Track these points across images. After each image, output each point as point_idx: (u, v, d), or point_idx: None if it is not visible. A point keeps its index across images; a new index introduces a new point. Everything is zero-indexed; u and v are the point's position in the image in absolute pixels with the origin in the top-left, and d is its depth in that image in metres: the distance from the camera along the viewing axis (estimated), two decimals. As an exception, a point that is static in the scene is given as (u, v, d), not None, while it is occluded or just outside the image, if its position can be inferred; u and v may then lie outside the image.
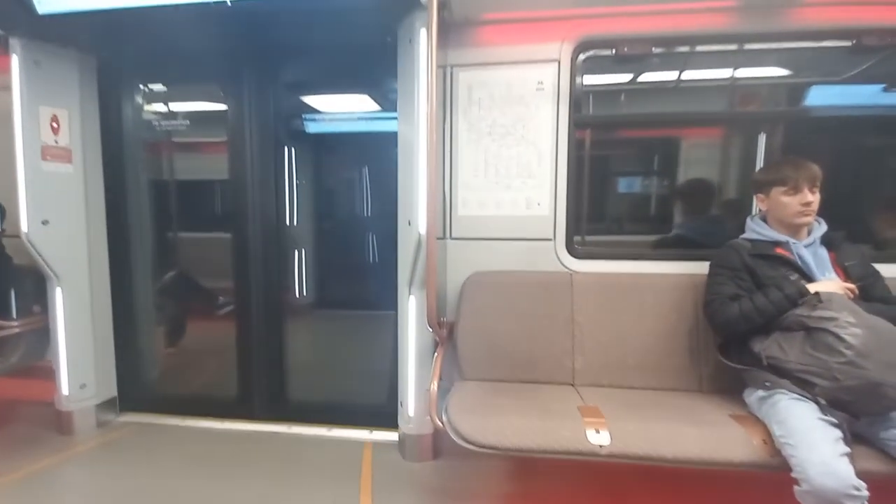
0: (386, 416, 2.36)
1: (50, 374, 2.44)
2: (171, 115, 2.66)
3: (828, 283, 1.55)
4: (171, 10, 1.91)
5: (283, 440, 2.40)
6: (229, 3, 1.88)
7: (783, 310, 1.52)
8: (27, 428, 2.47)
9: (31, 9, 1.94)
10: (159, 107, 2.67)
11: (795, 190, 1.60)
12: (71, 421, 2.44)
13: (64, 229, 2.34)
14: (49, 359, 2.44)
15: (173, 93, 2.67)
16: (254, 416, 2.57)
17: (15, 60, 2.13)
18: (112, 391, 2.63)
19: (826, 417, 1.34)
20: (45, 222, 2.25)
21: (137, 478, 2.03)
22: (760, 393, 1.53)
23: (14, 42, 2.12)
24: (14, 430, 2.46)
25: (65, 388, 2.41)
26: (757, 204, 1.73)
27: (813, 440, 1.29)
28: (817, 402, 1.38)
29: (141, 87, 2.63)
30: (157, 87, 2.66)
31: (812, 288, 1.51)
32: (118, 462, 2.18)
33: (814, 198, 1.60)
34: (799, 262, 1.61)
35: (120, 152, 2.57)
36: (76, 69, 2.34)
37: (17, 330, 2.34)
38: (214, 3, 1.88)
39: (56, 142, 2.29)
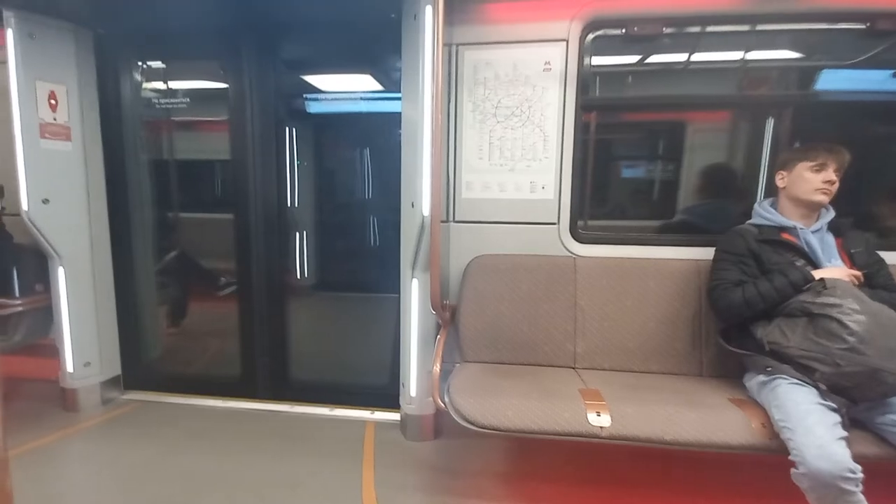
0: (388, 396, 2.38)
1: (54, 352, 2.45)
2: (171, 92, 2.62)
3: (833, 269, 1.55)
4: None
5: (286, 419, 2.43)
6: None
7: (787, 296, 1.52)
8: (33, 404, 2.50)
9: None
10: (158, 84, 2.62)
11: (822, 168, 1.59)
12: (76, 398, 2.47)
13: (64, 208, 2.32)
14: (53, 337, 2.46)
15: (172, 70, 2.62)
16: (256, 395, 2.61)
17: (10, 34, 2.08)
18: (116, 369, 2.66)
19: (825, 402, 1.36)
20: (45, 201, 2.23)
21: (141, 454, 2.06)
22: (761, 378, 1.54)
23: (8, 15, 2.07)
24: (20, 407, 2.49)
25: (69, 366, 2.43)
26: (777, 181, 1.72)
27: (810, 424, 1.31)
28: (817, 388, 1.39)
29: (139, 63, 2.57)
30: (156, 63, 2.61)
31: (817, 274, 1.52)
32: (123, 438, 2.21)
33: (836, 180, 1.59)
34: (805, 248, 1.61)
35: (119, 130, 2.54)
36: (72, 43, 2.29)
37: (20, 308, 2.35)
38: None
39: (54, 119, 2.26)
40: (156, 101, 2.63)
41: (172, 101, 2.62)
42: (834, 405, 1.35)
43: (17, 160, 2.15)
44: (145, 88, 2.62)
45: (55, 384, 2.48)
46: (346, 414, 2.47)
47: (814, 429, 1.29)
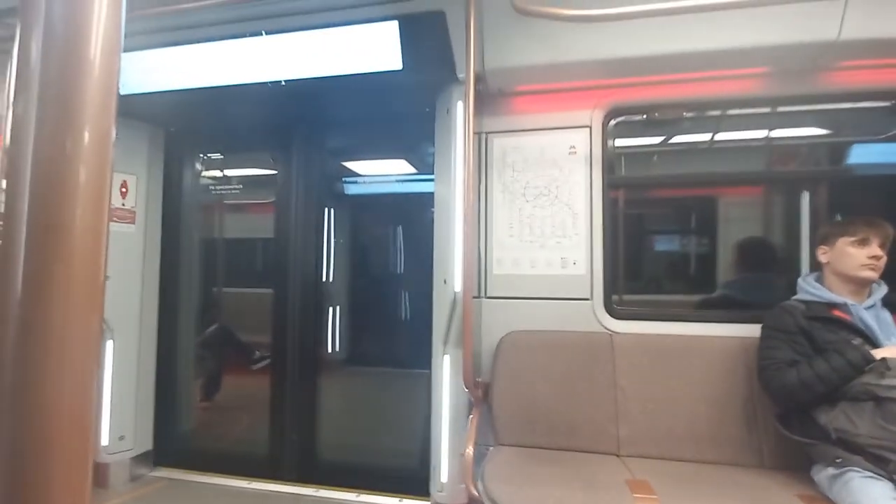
0: (417, 481, 2.25)
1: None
2: (226, 179, 2.89)
3: (895, 348, 1.44)
4: (233, 89, 2.15)
5: (311, 503, 2.32)
6: (283, 83, 2.09)
7: (847, 377, 1.41)
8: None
9: (116, 91, 2.21)
10: (216, 172, 2.90)
11: (863, 243, 1.54)
12: (107, 473, 2.46)
13: (122, 285, 2.50)
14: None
15: (229, 160, 2.91)
16: (283, 475, 2.52)
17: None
18: (148, 444, 2.66)
19: (907, 500, 1.20)
20: (106, 278, 2.40)
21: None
22: (831, 471, 1.39)
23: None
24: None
25: (105, 440, 2.45)
26: (818, 257, 1.66)
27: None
28: (893, 481, 1.24)
29: (201, 155, 2.88)
30: (215, 155, 2.91)
31: (877, 353, 1.41)
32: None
33: (882, 254, 1.53)
34: (861, 325, 1.51)
35: (178, 214, 2.78)
36: (146, 139, 2.61)
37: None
38: (271, 83, 2.09)
39: (123, 204, 2.51)
40: (212, 187, 2.89)
41: (227, 186, 2.88)
42: (918, 503, 1.19)
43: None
44: (204, 176, 2.90)
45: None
46: (373, 500, 2.33)
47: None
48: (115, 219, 2.47)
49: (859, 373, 1.40)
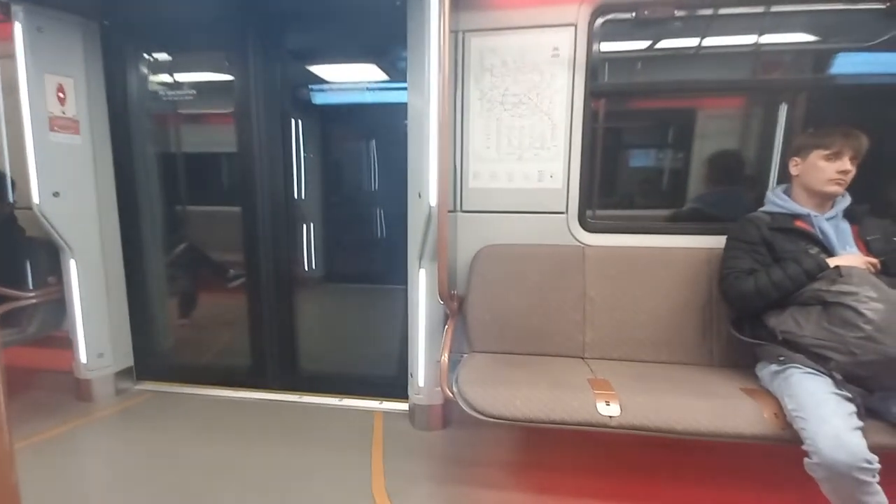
0: (396, 387, 2.40)
1: (67, 344, 2.49)
2: (177, 85, 2.62)
3: (849, 257, 1.52)
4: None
5: (295, 409, 2.45)
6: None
7: (801, 284, 1.50)
8: (47, 395, 2.55)
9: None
10: (165, 77, 2.62)
11: (837, 156, 1.54)
12: (90, 388, 2.51)
13: (75, 201, 2.34)
14: (66, 329, 2.50)
15: (178, 62, 2.62)
16: (266, 385, 2.63)
17: (18, 27, 2.09)
18: (129, 360, 2.70)
19: (840, 392, 1.33)
20: (55, 194, 2.26)
21: (154, 444, 2.10)
22: (773, 367, 1.52)
23: (16, 8, 2.07)
24: (34, 397, 2.53)
25: (83, 357, 2.47)
26: (790, 168, 1.67)
27: (825, 413, 1.29)
28: (832, 377, 1.37)
29: (145, 55, 2.57)
30: (162, 56, 2.61)
31: (832, 262, 1.48)
32: (136, 428, 2.25)
33: (851, 168, 1.54)
34: (819, 236, 1.58)
35: (127, 123, 2.55)
36: (79, 36, 2.30)
37: (33, 301, 2.38)
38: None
39: (63, 112, 2.27)
40: (162, 93, 2.63)
41: (179, 93, 2.62)
42: (849, 395, 1.33)
43: (27, 154, 2.17)
44: (152, 81, 2.62)
45: (69, 375, 2.52)
46: (355, 404, 2.48)
47: (829, 419, 1.27)
48: (56, 129, 2.24)
49: (813, 280, 1.48)
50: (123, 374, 2.66)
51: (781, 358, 1.49)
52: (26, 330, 2.41)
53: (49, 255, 2.41)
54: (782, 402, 1.43)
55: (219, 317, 2.99)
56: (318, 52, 2.54)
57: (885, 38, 1.96)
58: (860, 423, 1.28)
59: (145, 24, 2.44)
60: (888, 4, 1.82)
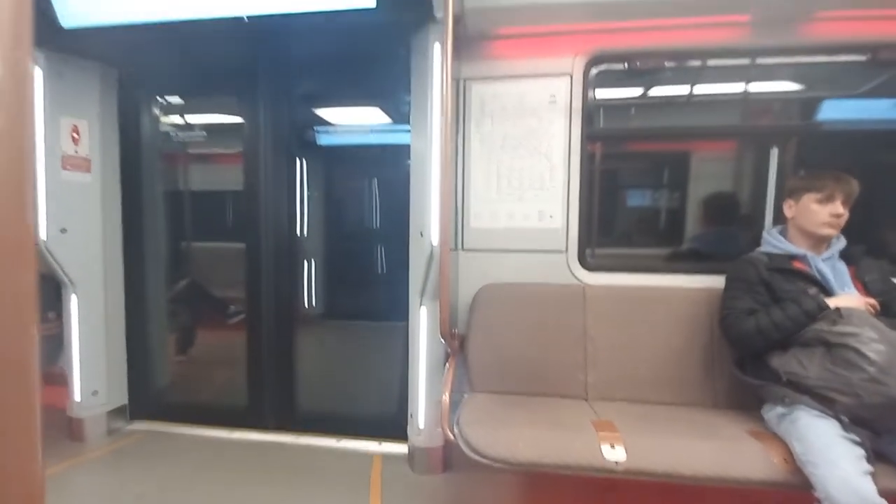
0: (395, 427, 2.34)
1: (62, 380, 2.45)
2: (188, 126, 2.71)
3: (848, 297, 1.52)
4: (191, 25, 1.97)
5: (292, 451, 2.39)
6: (246, 20, 1.93)
7: (801, 325, 1.50)
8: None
9: (54, 23, 2.00)
10: (176, 118, 2.72)
11: (829, 199, 1.58)
12: (82, 427, 2.45)
13: (81, 237, 2.38)
14: (62, 365, 2.47)
15: (190, 105, 2.73)
16: (263, 425, 2.57)
17: (39, 73, 2.19)
18: (123, 398, 2.65)
19: (848, 435, 1.31)
20: (62, 230, 2.29)
21: (146, 486, 2.03)
22: (779, 409, 1.50)
23: (38, 55, 2.18)
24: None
25: (77, 395, 2.43)
26: (784, 210, 1.70)
27: (834, 458, 1.26)
28: (839, 420, 1.35)
29: (159, 98, 2.68)
30: (175, 99, 2.72)
31: (832, 303, 1.49)
32: (127, 470, 2.18)
33: (844, 212, 1.58)
34: (817, 276, 1.59)
35: (137, 162, 2.62)
36: (97, 80, 2.40)
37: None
38: (232, 18, 1.92)
39: (76, 151, 2.34)
40: (173, 134, 2.72)
41: (189, 134, 2.71)
42: (857, 438, 1.31)
43: (38, 191, 2.21)
44: (164, 122, 2.72)
45: (62, 413, 2.47)
46: (352, 446, 2.42)
47: (838, 462, 1.25)
48: (68, 167, 2.31)
49: (813, 320, 1.48)
50: (117, 412, 2.60)
51: (787, 399, 1.47)
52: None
53: (51, 291, 2.42)
54: (791, 446, 1.40)
55: (217, 354, 2.96)
56: (325, 97, 2.65)
57: (869, 87, 2.05)
58: (870, 468, 1.25)
59: (161, 70, 2.56)
60: (868, 56, 1.91)
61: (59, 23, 2.01)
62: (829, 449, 1.28)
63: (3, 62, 0.33)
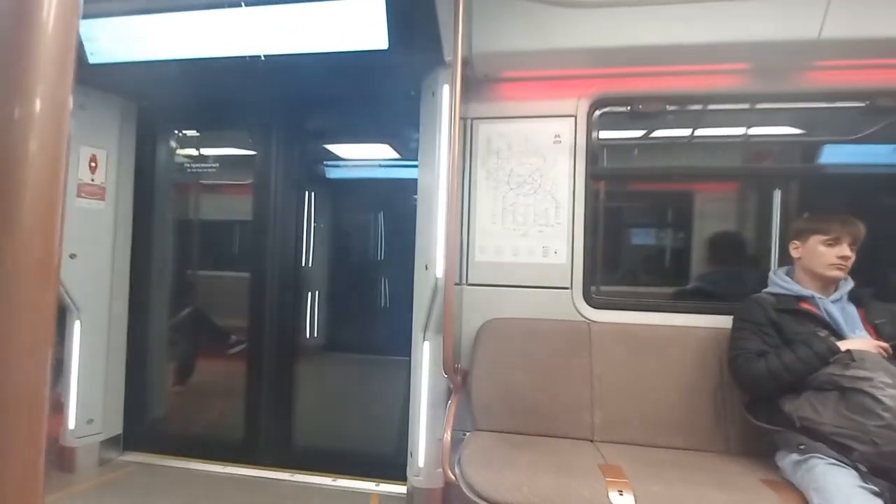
0: (394, 466, 2.26)
1: (57, 407, 2.41)
2: (202, 158, 2.79)
3: (860, 341, 1.50)
4: (210, 62, 2.06)
5: (287, 488, 2.30)
6: (263, 58, 2.01)
7: (813, 368, 1.46)
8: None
9: (82, 58, 2.10)
10: (191, 150, 2.80)
11: (836, 242, 1.58)
12: (73, 457, 2.39)
13: (90, 263, 2.40)
14: (58, 391, 2.43)
15: (205, 138, 2.81)
16: (258, 460, 2.49)
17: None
18: (117, 428, 2.59)
19: (867, 486, 1.26)
20: (72, 255, 2.31)
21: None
22: (795, 457, 1.44)
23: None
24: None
25: (71, 423, 2.38)
26: (791, 251, 1.70)
27: (855, 511, 1.20)
28: (857, 469, 1.30)
29: (175, 131, 2.77)
30: (191, 132, 2.81)
31: (843, 346, 1.46)
32: (117, 504, 2.10)
33: (850, 255, 1.57)
34: (827, 318, 1.57)
35: (151, 192, 2.68)
36: (118, 113, 2.50)
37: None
38: (249, 57, 2.02)
39: (92, 179, 2.40)
40: (187, 165, 2.79)
41: (202, 165, 2.78)
42: (876, 489, 1.25)
43: (65, 216, 2.25)
44: (179, 154, 2.79)
45: (54, 441, 2.41)
46: (349, 485, 2.33)
47: (858, 516, 1.19)
48: (83, 195, 2.36)
49: (825, 363, 1.45)
50: (110, 442, 2.54)
51: (802, 447, 1.42)
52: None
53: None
54: (808, 496, 1.34)
55: (215, 385, 2.91)
56: (336, 133, 2.73)
57: (867, 132, 2.09)
58: (892, 523, 1.19)
59: (178, 104, 2.65)
60: (867, 103, 1.96)
61: (86, 59, 2.11)
62: (849, 500, 1.23)
63: (47, 99, 0.36)
